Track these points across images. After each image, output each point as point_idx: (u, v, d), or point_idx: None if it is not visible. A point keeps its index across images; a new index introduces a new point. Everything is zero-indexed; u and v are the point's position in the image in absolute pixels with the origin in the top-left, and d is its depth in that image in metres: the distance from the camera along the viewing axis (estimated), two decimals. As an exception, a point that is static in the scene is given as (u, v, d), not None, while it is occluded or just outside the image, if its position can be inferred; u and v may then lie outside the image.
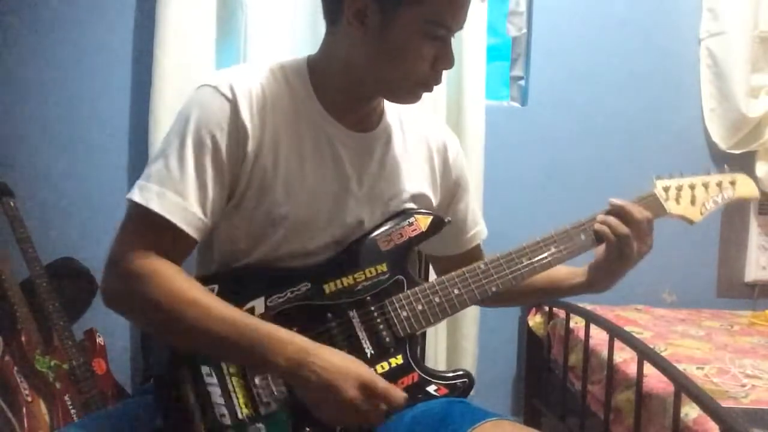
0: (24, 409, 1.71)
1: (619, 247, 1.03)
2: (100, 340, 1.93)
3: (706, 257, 2.39)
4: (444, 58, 0.95)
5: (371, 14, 0.91)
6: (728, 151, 2.30)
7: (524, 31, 2.32)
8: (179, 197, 0.89)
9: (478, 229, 1.21)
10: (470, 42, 2.10)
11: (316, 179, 0.99)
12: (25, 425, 1.70)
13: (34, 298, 1.82)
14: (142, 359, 2.04)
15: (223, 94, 0.92)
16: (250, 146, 0.93)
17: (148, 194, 0.89)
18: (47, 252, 1.91)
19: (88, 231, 2.02)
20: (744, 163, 2.29)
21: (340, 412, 0.86)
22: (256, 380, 0.91)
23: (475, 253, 1.22)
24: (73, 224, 2.01)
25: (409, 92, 0.98)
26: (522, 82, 2.35)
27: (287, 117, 0.97)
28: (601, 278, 1.09)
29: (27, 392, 1.74)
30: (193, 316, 0.86)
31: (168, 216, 0.88)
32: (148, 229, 0.89)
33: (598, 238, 1.05)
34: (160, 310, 0.87)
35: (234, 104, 0.92)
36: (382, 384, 0.87)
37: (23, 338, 1.77)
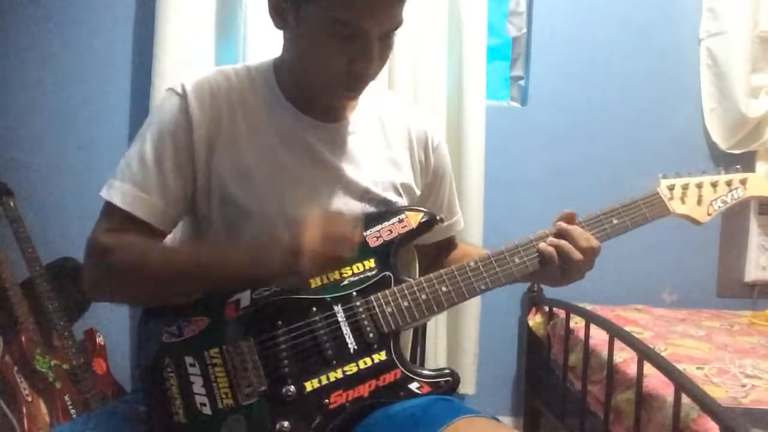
0: (24, 409, 1.72)
1: (563, 271, 1.01)
2: (100, 340, 1.94)
3: (706, 257, 2.39)
4: (359, 59, 0.92)
5: (286, 11, 0.94)
6: (728, 151, 2.30)
7: (524, 31, 2.32)
8: (141, 191, 0.95)
9: (454, 220, 1.21)
10: (470, 42, 2.10)
11: (284, 171, 1.00)
12: (25, 425, 1.70)
13: (34, 298, 1.82)
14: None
15: (176, 92, 0.98)
16: (199, 135, 0.97)
17: (113, 190, 0.96)
18: (47, 252, 1.91)
19: (88, 231, 2.02)
20: (744, 163, 2.29)
21: (312, 246, 0.86)
22: (239, 371, 0.92)
23: (448, 244, 1.23)
24: (73, 224, 2.00)
25: (328, 91, 0.99)
26: (522, 82, 2.35)
27: (248, 115, 1.00)
28: (543, 282, 1.10)
29: (27, 392, 1.74)
30: (163, 263, 0.93)
31: (130, 209, 0.95)
32: (116, 221, 0.95)
33: (542, 259, 1.02)
34: (135, 273, 0.93)
35: (183, 99, 0.97)
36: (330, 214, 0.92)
37: (23, 338, 1.77)
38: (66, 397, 1.79)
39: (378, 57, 0.93)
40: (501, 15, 2.33)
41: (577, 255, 0.99)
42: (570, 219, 1.03)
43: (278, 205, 0.99)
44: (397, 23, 0.93)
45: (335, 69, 0.93)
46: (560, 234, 1.01)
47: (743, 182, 1.14)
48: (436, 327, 2.12)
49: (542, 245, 1.01)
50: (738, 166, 1.17)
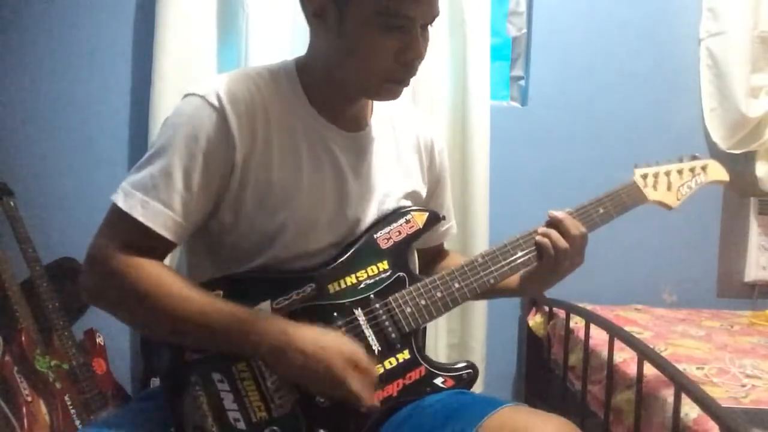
0: (24, 409, 1.71)
1: (556, 261, 1.04)
2: (100, 340, 1.94)
3: (706, 257, 2.38)
4: (407, 49, 0.92)
5: (329, 11, 0.92)
6: (728, 151, 2.30)
7: (524, 31, 2.32)
8: (163, 206, 0.91)
9: (448, 225, 1.23)
10: (474, 42, 2.10)
11: (313, 182, 1.00)
12: (25, 425, 1.70)
13: (34, 298, 1.82)
14: (143, 359, 2.04)
15: (210, 104, 0.93)
16: (239, 155, 0.94)
17: (132, 201, 0.90)
18: (47, 252, 1.91)
19: (88, 231, 2.01)
20: (744, 163, 2.29)
21: (331, 387, 0.88)
22: (269, 383, 0.92)
23: (438, 251, 1.25)
24: (73, 224, 2.01)
25: (379, 87, 0.97)
26: (522, 82, 2.35)
27: (279, 122, 0.98)
28: (532, 288, 1.12)
29: (27, 392, 1.74)
30: (173, 310, 0.88)
31: (150, 225, 0.90)
32: (130, 232, 0.91)
33: (538, 251, 1.05)
34: (141, 306, 0.89)
35: (222, 114, 0.92)
36: (363, 357, 0.89)
37: (23, 338, 1.77)
38: (66, 397, 1.79)
39: (422, 47, 0.94)
40: (501, 15, 2.32)
41: (563, 243, 1.03)
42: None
43: (306, 220, 0.99)
44: (436, 13, 0.94)
45: (383, 62, 0.93)
46: (550, 224, 1.06)
47: (704, 168, 1.24)
48: (436, 326, 2.12)
49: (537, 237, 1.05)
50: (697, 154, 1.26)
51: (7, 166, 2.00)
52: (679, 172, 1.21)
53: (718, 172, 1.25)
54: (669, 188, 1.19)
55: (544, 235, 1.04)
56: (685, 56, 2.34)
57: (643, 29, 2.31)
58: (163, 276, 0.90)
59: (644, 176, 1.18)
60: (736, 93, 2.24)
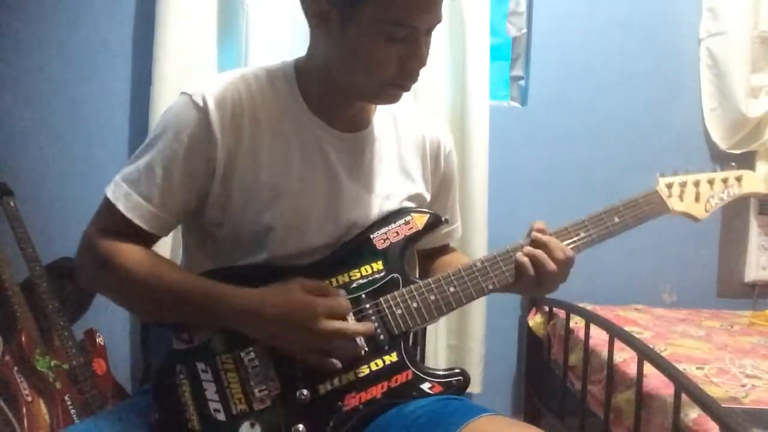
0: (24, 409, 1.71)
1: (538, 280, 1.00)
2: (100, 340, 1.94)
3: (706, 257, 2.39)
4: (412, 57, 0.93)
5: (331, 16, 0.91)
6: (728, 151, 2.30)
7: (524, 31, 2.32)
8: (143, 200, 0.95)
9: (453, 227, 1.22)
10: (473, 42, 2.10)
11: (304, 183, 0.99)
12: (25, 425, 1.70)
13: (34, 298, 1.82)
14: (142, 359, 2.04)
15: (195, 103, 0.95)
16: (221, 154, 0.95)
17: (118, 192, 0.96)
18: (47, 252, 1.91)
19: (88, 231, 2.03)
20: (744, 163, 2.29)
21: (307, 339, 0.90)
22: (251, 377, 0.92)
23: (444, 251, 1.23)
24: (73, 224, 1.98)
25: (379, 92, 0.97)
26: (522, 82, 2.35)
27: (270, 123, 0.98)
28: (514, 291, 1.08)
29: (27, 392, 1.74)
30: (148, 287, 0.93)
31: (129, 216, 0.95)
32: (115, 222, 0.96)
33: (518, 270, 1.00)
34: (123, 286, 0.95)
35: (204, 113, 0.94)
36: (321, 302, 0.90)
37: (23, 338, 1.77)
38: (66, 397, 1.79)
39: (425, 54, 0.94)
40: (501, 15, 2.32)
41: (552, 266, 0.98)
42: (541, 231, 1.02)
43: (294, 221, 0.99)
44: (440, 20, 0.95)
45: (387, 69, 0.93)
46: (536, 244, 1.01)
47: (739, 179, 1.17)
48: (436, 326, 2.12)
49: (518, 255, 1.00)
50: (733, 164, 1.20)
51: (7, 166, 2.00)
52: (710, 182, 1.15)
53: (754, 184, 1.18)
54: (697, 199, 1.13)
55: (529, 255, 0.99)
56: (685, 56, 2.34)
57: (643, 29, 2.31)
58: (142, 257, 0.94)
59: (669, 185, 1.12)
60: (736, 93, 2.25)
